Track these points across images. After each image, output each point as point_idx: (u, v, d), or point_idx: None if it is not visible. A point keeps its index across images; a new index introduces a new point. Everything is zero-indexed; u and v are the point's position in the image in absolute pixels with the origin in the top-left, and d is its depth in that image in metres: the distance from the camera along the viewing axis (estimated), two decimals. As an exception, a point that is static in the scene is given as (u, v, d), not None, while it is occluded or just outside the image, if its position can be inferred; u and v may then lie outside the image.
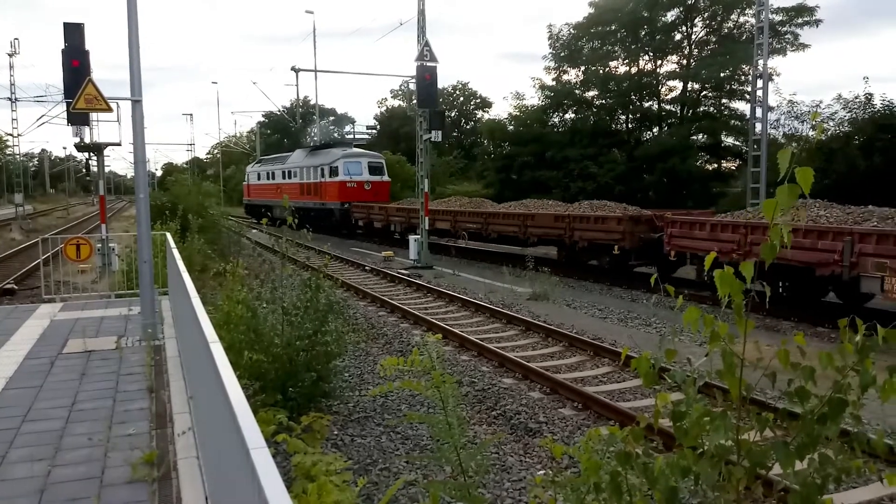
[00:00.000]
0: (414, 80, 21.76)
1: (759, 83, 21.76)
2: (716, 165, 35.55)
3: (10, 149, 51.33)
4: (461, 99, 62.12)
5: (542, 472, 5.94)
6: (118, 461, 4.49)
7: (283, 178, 38.79)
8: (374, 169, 32.75)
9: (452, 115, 58.91)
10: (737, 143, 34.27)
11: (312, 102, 47.42)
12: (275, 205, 38.24)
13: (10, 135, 40.77)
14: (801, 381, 2.12)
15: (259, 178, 43.84)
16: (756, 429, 2.17)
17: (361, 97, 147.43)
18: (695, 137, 34.38)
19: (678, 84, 36.11)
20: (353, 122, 71.92)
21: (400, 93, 64.71)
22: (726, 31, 34.89)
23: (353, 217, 31.38)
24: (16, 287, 15.42)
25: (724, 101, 35.18)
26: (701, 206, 25.32)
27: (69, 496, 4.01)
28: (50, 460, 4.52)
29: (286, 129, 60.74)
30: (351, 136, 44.31)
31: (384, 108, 66.40)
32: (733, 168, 35.09)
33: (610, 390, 8.30)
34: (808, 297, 12.81)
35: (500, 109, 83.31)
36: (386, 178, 33.37)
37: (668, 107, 37.34)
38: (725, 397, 2.31)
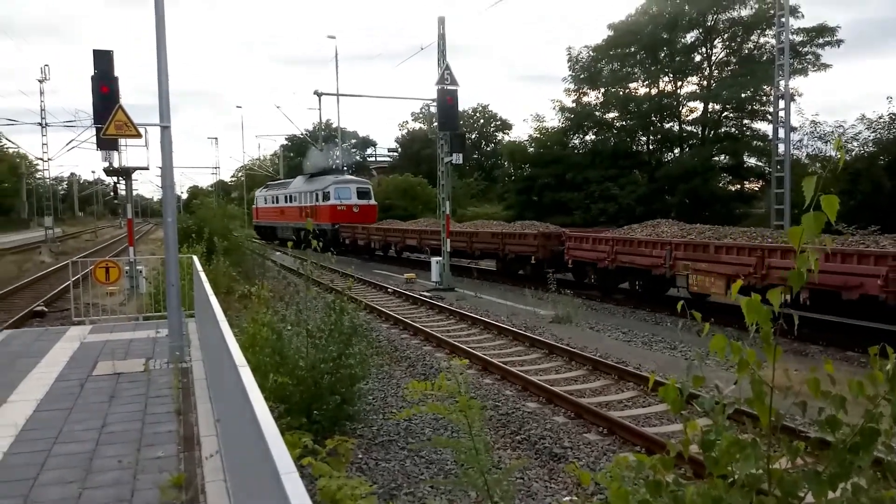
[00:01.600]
0: (435, 104, 22.00)
1: (781, 104, 21.68)
2: (738, 186, 35.24)
3: (40, 173, 52.58)
4: (481, 121, 62.49)
5: (567, 498, 5.89)
6: (147, 484, 4.54)
7: (286, 202, 42.01)
8: (362, 193, 36.26)
9: (473, 137, 59.27)
10: (759, 163, 33.93)
11: (335, 125, 48.14)
12: (278, 226, 42.38)
13: (41, 159, 41.91)
14: (832, 410, 2.11)
15: (266, 202, 46.77)
16: (787, 457, 2.16)
17: (383, 120, 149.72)
18: (717, 158, 34.11)
19: (699, 105, 35.99)
20: (374, 145, 72.69)
21: (421, 116, 65.40)
22: (746, 51, 34.73)
23: (341, 236, 34.53)
24: (46, 309, 15.69)
25: (745, 121, 34.94)
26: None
27: (100, 518, 4.07)
28: (80, 482, 4.59)
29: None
30: (372, 159, 45.29)
31: (405, 130, 67.06)
32: (756, 189, 34.74)
33: (635, 415, 8.22)
34: (654, 292, 16.35)
35: (521, 131, 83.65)
36: (373, 201, 36.74)
37: (688, 128, 37.17)
38: (755, 425, 2.30)
